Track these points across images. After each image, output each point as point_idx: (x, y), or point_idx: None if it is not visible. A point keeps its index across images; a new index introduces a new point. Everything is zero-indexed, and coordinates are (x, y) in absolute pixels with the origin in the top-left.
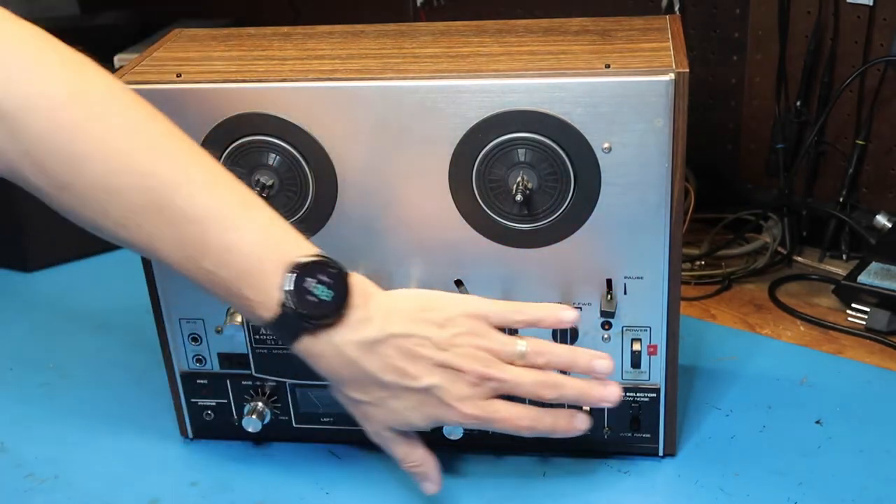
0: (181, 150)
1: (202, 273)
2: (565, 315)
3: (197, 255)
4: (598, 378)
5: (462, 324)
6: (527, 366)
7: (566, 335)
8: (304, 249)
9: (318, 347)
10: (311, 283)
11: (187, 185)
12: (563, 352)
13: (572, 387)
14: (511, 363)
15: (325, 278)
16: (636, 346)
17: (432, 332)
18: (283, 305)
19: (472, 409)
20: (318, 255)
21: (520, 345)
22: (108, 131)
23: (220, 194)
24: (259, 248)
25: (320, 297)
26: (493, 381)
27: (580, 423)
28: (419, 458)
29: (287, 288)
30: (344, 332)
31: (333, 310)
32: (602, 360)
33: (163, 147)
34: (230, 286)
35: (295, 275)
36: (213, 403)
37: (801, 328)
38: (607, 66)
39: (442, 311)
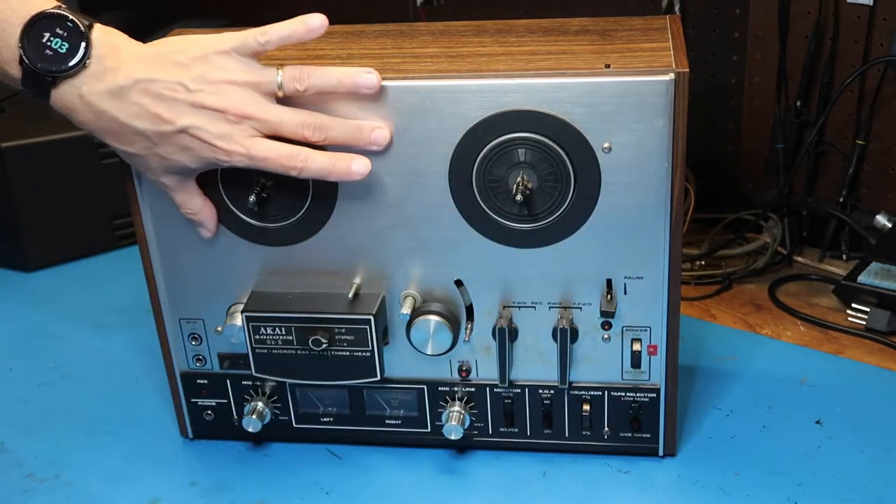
0: None
1: None
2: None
3: None
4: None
5: (212, 61)
6: (290, 99)
7: (566, 336)
8: (45, 4)
9: (67, 100)
10: (46, 36)
11: None
12: (324, 73)
13: (341, 128)
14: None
15: (59, 31)
16: (636, 346)
17: (181, 74)
18: (21, 60)
19: (234, 147)
20: (56, 9)
21: (276, 74)
22: None
23: None
24: (3, 7)
25: (56, 49)
26: (252, 120)
27: (359, 167)
28: (197, 207)
29: (22, 42)
30: (90, 82)
31: (71, 61)
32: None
33: None
34: None
35: (29, 29)
36: (213, 403)
37: (801, 328)
38: (607, 66)
39: (188, 52)
